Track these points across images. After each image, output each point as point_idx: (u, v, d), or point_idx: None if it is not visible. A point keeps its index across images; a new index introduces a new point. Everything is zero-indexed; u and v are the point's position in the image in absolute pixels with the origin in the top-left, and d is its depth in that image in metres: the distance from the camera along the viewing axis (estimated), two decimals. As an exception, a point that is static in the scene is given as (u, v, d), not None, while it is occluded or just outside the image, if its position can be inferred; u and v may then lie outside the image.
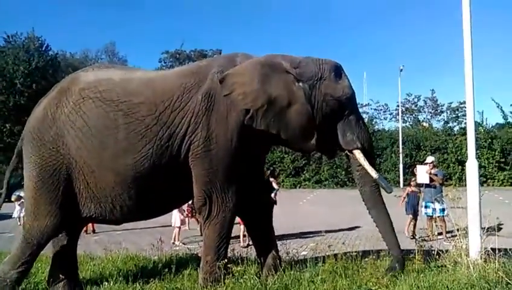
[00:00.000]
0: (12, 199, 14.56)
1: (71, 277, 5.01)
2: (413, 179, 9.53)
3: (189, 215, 9.81)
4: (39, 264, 5.24)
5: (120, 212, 4.76)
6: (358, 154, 4.81)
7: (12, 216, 12.38)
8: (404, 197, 9.12)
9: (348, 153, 4.96)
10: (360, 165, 4.83)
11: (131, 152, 4.52)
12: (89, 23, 61.67)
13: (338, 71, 4.88)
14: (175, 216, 9.02)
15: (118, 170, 4.55)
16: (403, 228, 8.57)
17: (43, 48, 29.87)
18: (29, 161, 4.71)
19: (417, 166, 9.15)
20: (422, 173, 8.60)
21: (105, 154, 4.54)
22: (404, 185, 22.40)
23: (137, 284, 4.79)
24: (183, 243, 8.77)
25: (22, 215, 10.52)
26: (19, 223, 11.41)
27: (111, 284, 4.87)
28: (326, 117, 4.79)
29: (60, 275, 4.85)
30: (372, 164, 4.92)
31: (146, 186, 4.65)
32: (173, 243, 8.84)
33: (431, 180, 8.53)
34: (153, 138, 4.54)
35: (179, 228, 9.21)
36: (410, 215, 8.92)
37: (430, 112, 32.98)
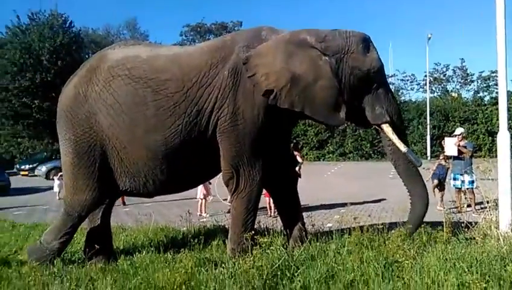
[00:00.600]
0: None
1: (106, 247, 5.23)
2: (442, 153, 9.30)
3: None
4: (75, 235, 5.47)
5: (153, 186, 4.91)
6: (387, 128, 4.74)
7: (53, 190, 12.84)
8: (434, 170, 8.93)
9: (377, 128, 4.90)
10: (391, 139, 4.77)
11: (160, 128, 4.62)
12: (110, -1, 61.78)
13: (366, 43, 4.75)
14: (199, 188, 9.18)
15: (149, 146, 4.66)
16: (435, 200, 8.48)
17: (67, 25, 30.17)
18: (64, 138, 4.89)
19: (445, 138, 8.93)
20: (451, 146, 8.40)
21: (136, 131, 4.65)
22: (431, 157, 22.03)
23: (168, 254, 4.96)
24: (210, 215, 8.97)
25: (61, 189, 10.91)
26: (57, 198, 11.89)
27: (143, 254, 5.06)
28: (354, 91, 4.71)
29: (96, 245, 5.07)
30: (402, 137, 4.85)
31: (176, 161, 4.76)
32: (200, 214, 9.06)
33: (459, 152, 8.34)
34: (182, 114, 4.61)
35: (204, 199, 9.40)
36: (435, 182, 8.79)
37: (460, 82, 31.79)
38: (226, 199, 10.83)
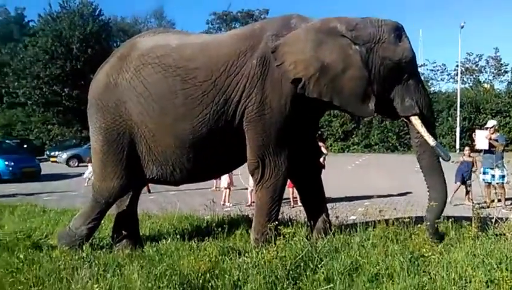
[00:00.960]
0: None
1: (133, 234, 5.35)
2: (467, 148, 9.01)
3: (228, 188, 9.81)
4: (103, 222, 5.63)
5: (180, 174, 4.97)
6: (416, 121, 4.62)
7: (83, 176, 13.16)
8: (458, 167, 8.66)
9: (405, 120, 4.79)
10: (419, 132, 4.66)
11: (189, 117, 4.65)
12: (138, -13, 62.28)
13: (398, 33, 4.62)
14: (224, 178, 9.26)
15: (177, 134, 4.71)
16: (461, 195, 8.29)
17: (96, 13, 30.69)
18: (95, 126, 4.98)
19: (476, 131, 8.66)
20: (482, 139, 8.14)
21: (165, 119, 4.70)
22: (460, 150, 21.45)
23: (193, 242, 5.03)
24: (233, 205, 9.05)
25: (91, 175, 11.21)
26: (85, 184, 12.21)
27: (169, 241, 5.15)
28: (384, 81, 4.61)
29: (123, 232, 5.20)
30: (431, 130, 4.73)
31: (204, 149, 4.80)
32: (223, 204, 9.14)
33: (491, 146, 8.07)
34: (210, 103, 4.62)
35: (229, 189, 9.48)
36: (458, 184, 8.58)
37: (493, 72, 30.75)
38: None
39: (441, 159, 4.75)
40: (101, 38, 30.00)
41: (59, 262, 4.25)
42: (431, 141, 4.60)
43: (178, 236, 5.36)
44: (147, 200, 9.46)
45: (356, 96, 4.57)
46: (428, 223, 4.75)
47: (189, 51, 4.80)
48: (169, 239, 5.22)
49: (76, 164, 20.41)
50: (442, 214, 4.95)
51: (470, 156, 8.64)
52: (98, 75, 5.13)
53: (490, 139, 8.07)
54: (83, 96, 4.96)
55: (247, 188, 10.80)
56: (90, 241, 5.14)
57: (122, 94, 4.81)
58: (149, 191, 10.75)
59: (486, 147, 8.09)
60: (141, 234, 5.78)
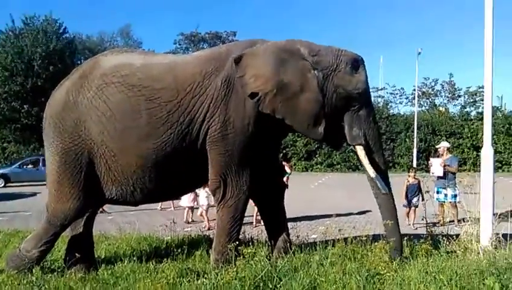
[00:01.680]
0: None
1: (87, 256, 5.15)
2: (411, 170, 9.26)
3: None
4: (56, 243, 5.39)
5: (140, 194, 4.88)
6: (360, 151, 4.80)
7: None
8: (406, 191, 8.67)
9: (353, 148, 4.96)
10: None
11: (153, 137, 4.60)
12: (104, 6, 61.80)
13: (356, 64, 4.80)
14: (184, 197, 9.10)
15: (140, 154, 4.64)
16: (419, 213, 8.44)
17: (61, 31, 30.06)
18: (51, 145, 4.81)
19: (431, 159, 9.01)
20: (437, 166, 8.53)
21: (127, 139, 4.62)
22: (417, 170, 22.23)
23: (151, 264, 4.92)
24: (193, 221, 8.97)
25: None
26: None
27: (125, 264, 5.00)
28: (336, 109, 4.77)
29: (77, 254, 4.99)
30: (378, 161, 4.90)
31: (166, 169, 4.75)
32: (187, 222, 9.00)
33: (445, 172, 8.46)
34: (174, 123, 4.61)
35: (191, 208, 9.34)
36: (406, 208, 8.68)
37: (447, 96, 32.44)
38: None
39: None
40: (64, 56, 29.32)
41: (5, 287, 4.03)
42: (371, 173, 4.75)
43: (135, 258, 5.20)
44: (105, 221, 9.18)
45: (308, 118, 4.70)
46: (393, 242, 4.80)
47: (156, 71, 4.78)
48: (126, 261, 5.07)
49: (2, 184, 19.39)
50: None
51: (415, 177, 8.75)
52: (57, 92, 4.98)
53: (445, 166, 8.46)
54: (42, 114, 4.87)
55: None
56: (41, 264, 4.90)
57: (82, 113, 4.70)
58: (102, 211, 10.23)
59: (441, 174, 8.46)
60: (97, 256, 5.58)
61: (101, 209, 10.01)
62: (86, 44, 37.52)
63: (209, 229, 8.32)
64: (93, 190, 4.77)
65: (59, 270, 5.05)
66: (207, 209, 8.94)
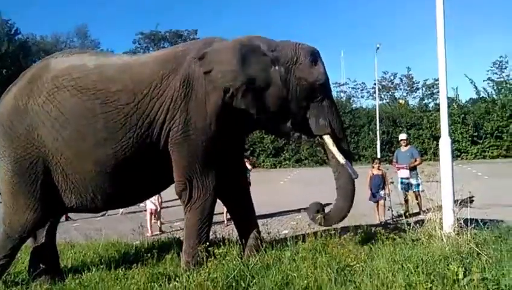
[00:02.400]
0: None
1: (52, 266, 4.98)
2: (376, 161, 9.23)
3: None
4: (19, 254, 5.16)
5: (101, 201, 4.73)
6: (328, 140, 4.89)
7: None
8: (370, 182, 8.70)
9: (319, 139, 5.03)
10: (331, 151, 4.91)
11: (111, 141, 4.47)
12: (58, 5, 59.56)
13: (314, 56, 4.88)
14: (149, 201, 8.77)
15: (98, 160, 4.50)
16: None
17: (12, 32, 28.75)
18: (3, 155, 4.57)
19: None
20: (404, 172, 8.77)
21: (84, 145, 4.47)
22: (381, 161, 22.86)
23: (120, 271, 4.80)
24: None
25: None
26: None
27: (93, 272, 4.85)
28: (300, 101, 4.83)
29: (41, 265, 4.81)
30: (344, 149, 5.01)
31: (127, 174, 4.63)
32: (149, 235, 8.75)
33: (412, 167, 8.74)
34: (133, 127, 4.49)
35: (153, 214, 9.05)
36: (373, 203, 8.67)
37: (406, 90, 33.52)
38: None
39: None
40: (18, 59, 28.05)
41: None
42: (341, 159, 4.86)
43: (104, 265, 5.06)
44: (70, 228, 8.87)
45: (276, 114, 4.76)
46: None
47: (110, 72, 4.64)
48: (94, 269, 4.92)
49: None
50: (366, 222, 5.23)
51: (379, 169, 8.76)
52: (5, 98, 4.74)
53: (411, 166, 8.72)
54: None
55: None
56: (3, 277, 4.68)
57: (34, 119, 4.50)
58: (67, 219, 9.85)
59: (408, 174, 8.71)
60: (63, 265, 5.40)
61: (66, 217, 9.68)
62: (40, 45, 36.04)
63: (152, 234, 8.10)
64: (51, 199, 4.59)
65: (23, 283, 4.84)
66: (152, 213, 8.61)
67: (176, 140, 4.58)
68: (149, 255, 5.10)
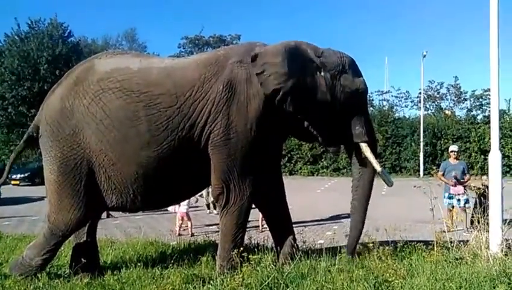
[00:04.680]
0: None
1: (92, 262, 5.13)
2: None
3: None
4: (62, 248, 5.38)
5: (141, 201, 4.84)
6: (366, 148, 4.97)
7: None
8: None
9: (347, 148, 5.24)
10: (363, 159, 5.04)
11: (153, 144, 4.56)
12: (109, 9, 62.22)
13: (355, 66, 5.05)
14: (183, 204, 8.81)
15: (140, 162, 4.60)
16: (426, 218, 8.23)
17: (66, 34, 30.21)
18: (49, 155, 4.72)
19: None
20: (460, 187, 8.44)
21: (127, 147, 4.57)
22: (424, 174, 22.05)
23: (157, 270, 4.89)
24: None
25: None
26: None
27: (131, 269, 4.98)
28: (342, 108, 4.90)
29: (82, 259, 4.98)
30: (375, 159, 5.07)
31: (167, 176, 4.72)
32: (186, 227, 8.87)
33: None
34: (175, 130, 4.57)
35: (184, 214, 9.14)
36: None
37: (453, 100, 32.17)
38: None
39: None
40: (70, 60, 29.39)
41: (12, 293, 4.02)
42: (378, 167, 4.97)
43: (141, 263, 5.19)
44: (111, 225, 9.16)
45: (320, 119, 4.87)
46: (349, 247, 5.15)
47: (153, 76, 4.73)
48: (132, 267, 5.06)
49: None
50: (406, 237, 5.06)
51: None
52: (51, 99, 4.86)
53: (464, 185, 8.36)
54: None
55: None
56: (47, 269, 4.89)
57: (80, 121, 4.62)
58: (108, 216, 10.16)
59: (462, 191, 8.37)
60: (103, 261, 5.57)
61: (107, 214, 10.02)
62: (91, 48, 37.70)
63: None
64: (93, 199, 4.71)
65: (65, 275, 5.04)
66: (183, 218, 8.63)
67: (216, 143, 4.63)
68: (185, 256, 5.17)
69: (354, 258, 5.00)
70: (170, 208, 8.95)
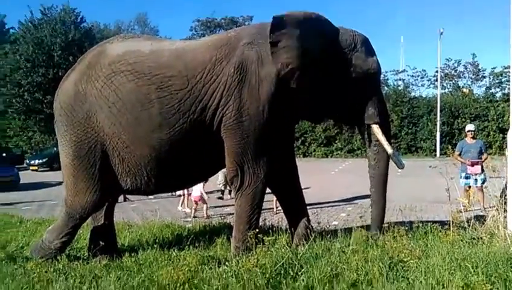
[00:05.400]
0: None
1: (110, 244, 5.25)
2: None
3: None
4: (81, 231, 5.52)
5: (155, 184, 4.89)
6: (377, 129, 4.91)
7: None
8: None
9: (359, 129, 5.23)
10: (378, 140, 4.94)
11: (165, 127, 4.58)
12: (120, -6, 61.97)
13: (369, 45, 4.95)
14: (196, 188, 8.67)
15: (152, 145, 4.63)
16: (442, 199, 8.20)
17: (78, 20, 30.30)
18: (64, 139, 4.82)
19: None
20: (477, 167, 8.30)
21: (140, 129, 4.61)
22: (441, 154, 21.77)
23: (173, 252, 4.97)
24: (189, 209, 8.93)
25: None
26: None
27: (148, 251, 5.07)
28: (353, 87, 4.83)
29: (100, 242, 5.09)
30: (388, 140, 5.00)
31: (180, 159, 4.75)
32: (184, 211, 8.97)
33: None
34: (186, 112, 4.58)
35: (187, 195, 9.25)
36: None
37: (471, 78, 31.33)
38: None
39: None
40: (83, 46, 29.54)
41: (33, 275, 4.14)
42: (389, 149, 4.91)
43: (158, 245, 5.29)
44: (128, 209, 9.34)
45: (331, 97, 4.81)
46: (374, 229, 5.07)
47: (165, 58, 4.72)
48: (149, 249, 5.14)
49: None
50: (421, 217, 5.05)
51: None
52: (65, 84, 4.95)
53: (481, 163, 8.23)
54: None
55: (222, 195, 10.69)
56: (67, 252, 5.02)
57: (93, 104, 4.67)
58: (125, 200, 10.37)
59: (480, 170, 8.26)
60: (120, 243, 5.69)
61: (124, 198, 10.21)
62: (103, 33, 37.79)
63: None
64: (108, 182, 4.79)
65: (84, 258, 5.17)
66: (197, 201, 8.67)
67: (229, 126, 4.62)
68: (201, 238, 5.24)
69: (381, 233, 4.96)
70: (179, 191, 9.08)
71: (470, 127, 8.93)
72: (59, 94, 4.98)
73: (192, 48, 4.91)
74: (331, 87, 4.75)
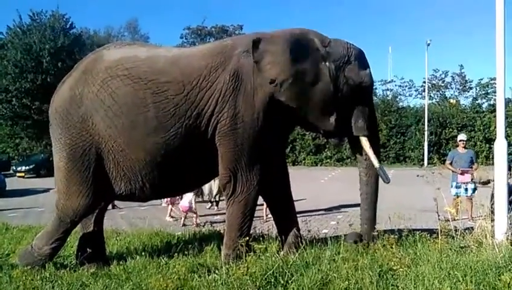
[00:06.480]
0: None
1: (99, 252, 5.19)
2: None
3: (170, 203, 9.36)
4: (68, 239, 5.43)
5: (149, 189, 4.88)
6: (365, 142, 4.97)
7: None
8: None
9: (348, 141, 5.24)
10: (367, 154, 4.99)
11: (161, 131, 4.59)
12: (110, 0, 61.88)
13: (363, 58, 5.01)
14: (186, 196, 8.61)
15: (148, 149, 4.63)
16: (430, 207, 8.28)
17: (68, 26, 30.10)
18: (58, 142, 4.80)
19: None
20: (468, 177, 8.39)
21: (135, 133, 4.61)
22: (428, 163, 21.99)
23: (162, 259, 4.92)
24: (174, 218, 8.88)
25: None
26: None
27: (136, 259, 5.02)
28: (345, 100, 4.88)
29: (88, 250, 5.02)
30: (377, 153, 5.09)
31: (175, 164, 4.75)
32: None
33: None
34: (182, 117, 4.59)
35: (171, 204, 9.20)
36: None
37: (458, 89, 31.81)
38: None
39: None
40: (73, 52, 29.36)
41: (19, 283, 4.06)
42: (376, 163, 4.98)
43: (147, 253, 5.23)
44: (116, 216, 9.24)
45: (321, 109, 4.81)
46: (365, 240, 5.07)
47: (160, 64, 4.75)
48: (138, 257, 5.09)
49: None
50: (410, 226, 5.14)
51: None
52: (61, 89, 4.96)
53: (472, 172, 8.33)
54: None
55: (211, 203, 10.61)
56: (54, 259, 4.94)
57: (88, 108, 4.67)
58: (113, 207, 10.19)
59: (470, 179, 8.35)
60: (108, 251, 5.62)
61: (112, 205, 10.06)
62: (93, 39, 37.62)
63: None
64: (102, 186, 4.76)
65: (72, 266, 5.08)
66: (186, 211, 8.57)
67: (223, 133, 4.64)
68: (190, 245, 5.20)
69: (374, 242, 4.98)
70: (164, 201, 9.02)
71: (462, 136, 9.05)
72: (55, 98, 4.99)
73: (188, 55, 4.97)
74: (324, 99, 4.76)
